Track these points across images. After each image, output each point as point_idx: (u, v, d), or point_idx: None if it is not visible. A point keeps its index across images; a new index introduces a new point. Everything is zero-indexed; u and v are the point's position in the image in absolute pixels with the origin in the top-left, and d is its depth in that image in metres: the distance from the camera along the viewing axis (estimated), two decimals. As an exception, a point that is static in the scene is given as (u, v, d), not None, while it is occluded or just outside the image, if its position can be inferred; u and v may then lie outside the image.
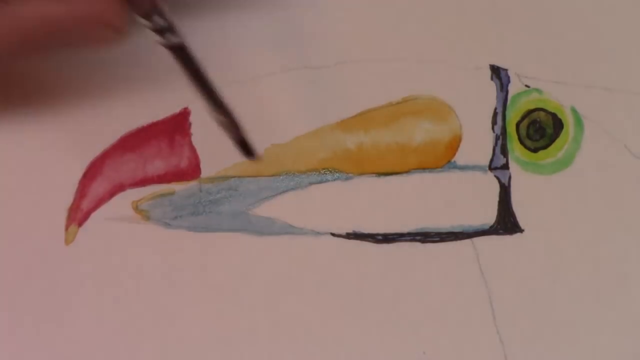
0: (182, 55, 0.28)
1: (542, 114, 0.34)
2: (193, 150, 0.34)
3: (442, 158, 0.34)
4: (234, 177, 0.33)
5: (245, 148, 0.31)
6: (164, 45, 0.28)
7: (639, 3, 0.36)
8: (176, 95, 0.34)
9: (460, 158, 0.34)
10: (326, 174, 0.34)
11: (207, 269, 0.33)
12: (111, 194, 0.33)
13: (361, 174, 0.34)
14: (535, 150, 0.34)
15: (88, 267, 0.33)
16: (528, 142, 0.34)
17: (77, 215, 0.33)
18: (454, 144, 0.34)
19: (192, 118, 0.34)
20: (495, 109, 0.34)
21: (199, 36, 0.34)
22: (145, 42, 0.35)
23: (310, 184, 0.33)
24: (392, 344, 0.32)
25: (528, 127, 0.34)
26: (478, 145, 0.34)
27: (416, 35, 0.35)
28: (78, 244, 0.33)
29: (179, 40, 0.28)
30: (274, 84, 0.34)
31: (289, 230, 0.33)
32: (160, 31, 0.27)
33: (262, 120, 0.34)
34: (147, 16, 0.27)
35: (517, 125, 0.34)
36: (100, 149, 0.34)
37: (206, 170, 0.34)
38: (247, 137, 0.31)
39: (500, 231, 0.33)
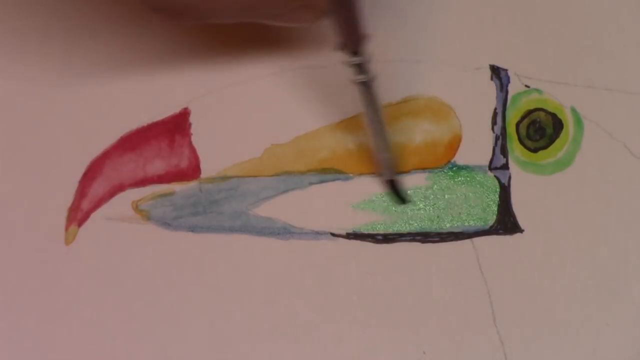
0: (368, 91, 0.29)
1: (542, 114, 0.34)
2: (193, 150, 0.34)
3: (442, 158, 0.34)
4: (234, 177, 0.33)
5: (396, 191, 0.33)
6: (355, 81, 0.29)
7: (638, 3, 0.36)
8: (176, 95, 0.34)
9: (460, 158, 0.34)
10: (326, 174, 0.34)
11: (207, 269, 0.33)
12: (111, 194, 0.33)
13: (361, 174, 0.34)
14: (535, 151, 0.34)
15: (88, 267, 0.33)
16: (528, 142, 0.34)
17: (77, 215, 0.33)
18: (454, 144, 0.34)
19: (192, 118, 0.34)
20: (495, 109, 0.34)
21: (200, 37, 0.35)
22: (145, 42, 0.35)
23: (310, 184, 0.33)
24: (392, 344, 0.32)
25: (528, 127, 0.34)
26: (478, 145, 0.34)
27: (416, 35, 0.35)
28: (78, 244, 0.33)
29: (367, 78, 0.29)
30: (274, 84, 0.34)
31: (289, 230, 0.33)
32: (356, 66, 0.28)
33: (262, 120, 0.34)
34: (352, 53, 0.28)
35: (517, 125, 0.34)
36: (100, 149, 0.34)
37: (206, 170, 0.34)
38: (401, 182, 0.33)
39: (500, 231, 0.33)
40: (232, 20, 0.28)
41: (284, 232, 0.33)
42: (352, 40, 0.27)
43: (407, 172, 0.34)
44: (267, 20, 0.28)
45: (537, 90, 0.34)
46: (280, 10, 0.27)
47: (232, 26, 0.32)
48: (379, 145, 0.31)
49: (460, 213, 0.33)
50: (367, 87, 0.29)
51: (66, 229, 0.33)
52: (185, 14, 0.27)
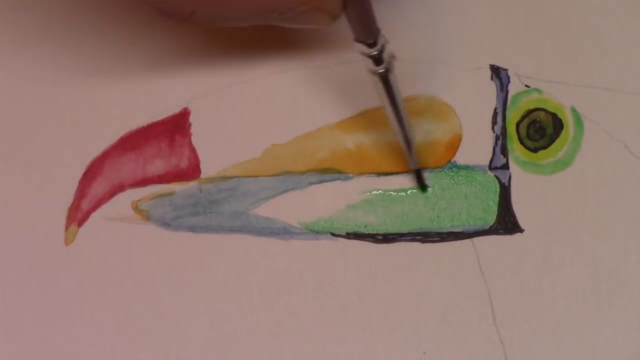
0: (385, 82, 0.30)
1: (542, 113, 0.34)
2: (193, 150, 0.34)
3: (442, 158, 0.34)
4: (234, 177, 0.33)
5: (419, 179, 0.33)
6: (372, 72, 0.30)
7: (639, 3, 0.36)
8: (176, 95, 0.34)
9: (460, 158, 0.34)
10: (326, 174, 0.34)
11: (207, 269, 0.33)
12: (111, 194, 0.33)
13: (361, 174, 0.34)
14: (535, 150, 0.34)
15: (88, 267, 0.33)
16: (528, 142, 0.34)
17: (77, 215, 0.33)
18: (454, 143, 0.34)
19: (192, 118, 0.34)
20: (495, 109, 0.34)
21: (200, 37, 0.35)
22: (145, 42, 0.35)
23: (310, 184, 0.33)
24: (392, 344, 0.32)
25: (528, 127, 0.34)
26: (478, 145, 0.34)
27: (416, 35, 0.35)
28: (78, 244, 0.33)
29: (384, 69, 0.30)
30: (274, 84, 0.34)
31: (289, 230, 0.33)
32: (372, 58, 0.29)
33: (262, 120, 0.34)
34: (368, 45, 0.29)
35: (517, 125, 0.34)
36: (100, 149, 0.34)
37: (206, 170, 0.34)
38: (422, 169, 0.33)
39: (500, 231, 0.33)
40: (240, 24, 0.28)
41: (284, 232, 0.33)
42: (366, 34, 0.28)
43: (407, 172, 0.34)
44: (279, 24, 0.28)
45: (537, 90, 0.34)
46: (288, 14, 0.27)
47: (233, 27, 0.32)
48: (399, 136, 0.32)
49: (460, 213, 0.33)
50: (384, 78, 0.30)
51: (66, 229, 0.33)
52: (193, 18, 0.27)
